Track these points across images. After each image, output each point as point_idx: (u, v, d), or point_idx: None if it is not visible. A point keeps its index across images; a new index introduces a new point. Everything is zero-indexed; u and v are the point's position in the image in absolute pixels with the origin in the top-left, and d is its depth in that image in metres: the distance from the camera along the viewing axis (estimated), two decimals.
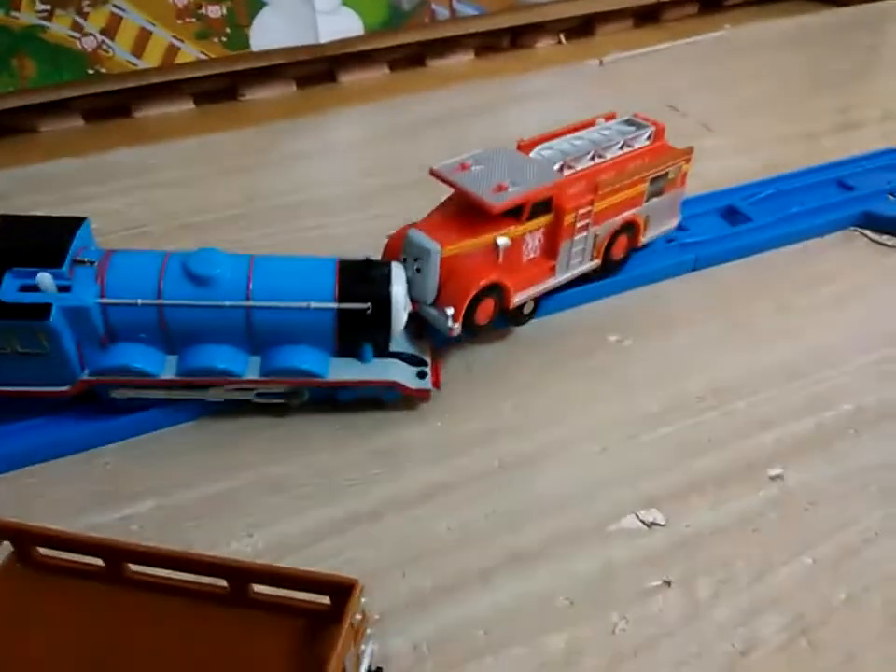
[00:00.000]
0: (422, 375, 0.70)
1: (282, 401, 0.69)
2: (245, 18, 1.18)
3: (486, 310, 0.71)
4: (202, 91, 1.27)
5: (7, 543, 0.49)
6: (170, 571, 0.48)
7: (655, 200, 0.82)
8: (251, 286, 0.63)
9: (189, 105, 1.27)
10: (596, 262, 0.79)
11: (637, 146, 0.82)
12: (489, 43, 1.47)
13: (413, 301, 0.69)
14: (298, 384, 0.66)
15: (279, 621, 0.47)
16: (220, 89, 1.29)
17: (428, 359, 0.72)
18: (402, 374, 0.68)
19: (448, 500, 0.63)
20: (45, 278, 0.59)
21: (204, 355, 0.64)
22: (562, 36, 1.52)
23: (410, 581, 0.57)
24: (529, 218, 0.71)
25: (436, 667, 0.52)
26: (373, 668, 0.48)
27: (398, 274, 0.66)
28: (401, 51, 1.40)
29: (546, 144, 0.81)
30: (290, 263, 0.66)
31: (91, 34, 1.11)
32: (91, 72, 1.12)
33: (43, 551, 0.50)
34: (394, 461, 0.66)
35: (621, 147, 0.81)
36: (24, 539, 0.49)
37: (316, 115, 1.27)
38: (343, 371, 0.67)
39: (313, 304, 0.63)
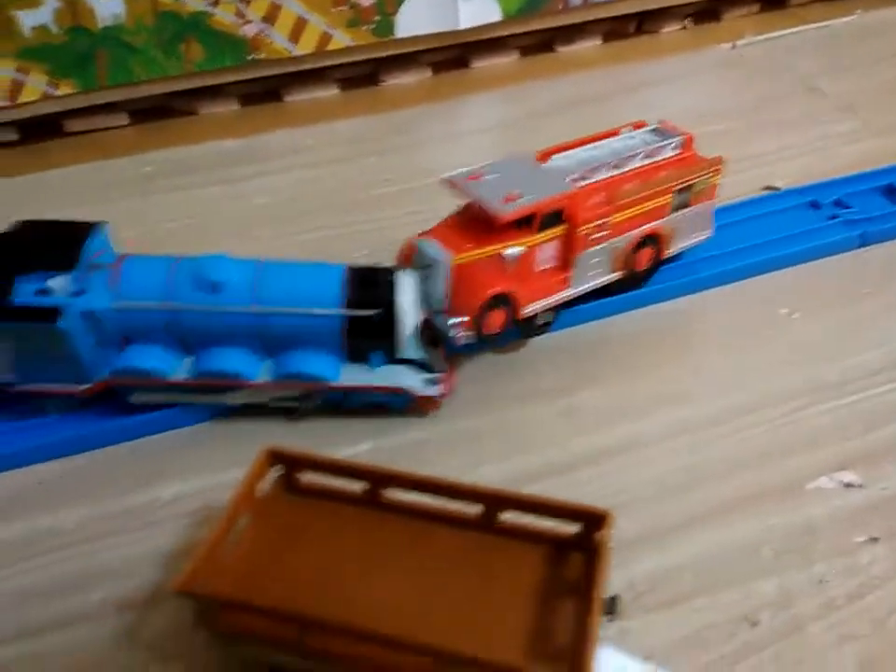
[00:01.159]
0: (432, 382, 0.70)
1: (296, 405, 0.69)
2: (393, 5, 1.23)
3: (496, 320, 0.71)
4: (346, 77, 1.33)
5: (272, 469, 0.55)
6: (424, 497, 0.53)
7: (682, 212, 0.80)
8: (257, 291, 0.64)
9: (334, 91, 1.33)
10: (618, 274, 0.79)
11: (661, 156, 0.80)
12: (616, 28, 1.49)
13: (423, 310, 0.70)
14: (307, 388, 0.68)
15: (525, 547, 0.52)
16: (363, 74, 1.34)
17: (441, 367, 0.71)
18: (412, 381, 0.69)
19: (644, 454, 0.67)
20: (58, 282, 0.62)
21: (218, 358, 0.66)
22: (688, 21, 1.52)
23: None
24: (541, 229, 0.71)
25: (652, 606, 0.56)
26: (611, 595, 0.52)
27: (405, 281, 0.67)
28: (532, 38, 1.43)
29: (564, 153, 0.80)
30: (298, 269, 0.67)
31: (252, 21, 1.18)
32: (250, 58, 1.19)
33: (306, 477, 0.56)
34: (582, 420, 0.71)
35: (643, 158, 0.80)
36: (293, 464, 0.54)
37: (450, 100, 1.32)
38: (353, 376, 0.68)
39: (317, 310, 0.64)
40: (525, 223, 0.70)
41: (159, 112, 1.26)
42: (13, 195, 1.06)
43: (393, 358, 0.69)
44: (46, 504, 0.64)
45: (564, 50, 1.46)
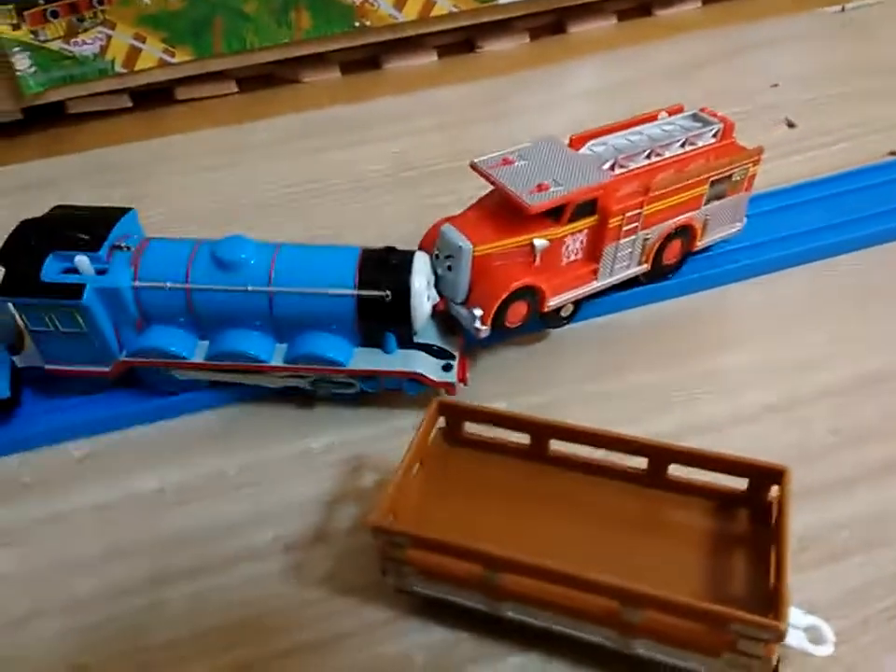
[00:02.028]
0: (447, 368, 0.69)
1: (309, 389, 0.70)
2: None
3: (518, 313, 0.69)
4: (444, 44, 1.34)
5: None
6: (589, 450, 0.55)
7: (716, 203, 0.77)
8: (273, 271, 0.65)
9: (432, 58, 1.33)
10: (645, 267, 0.76)
11: (700, 144, 0.77)
12: None
13: (442, 297, 0.69)
14: (320, 371, 0.67)
15: (689, 501, 0.53)
16: (460, 41, 1.34)
17: (457, 353, 0.70)
18: (426, 366, 0.68)
19: (789, 417, 0.67)
20: (83, 261, 0.64)
21: (233, 340, 0.67)
22: None
23: None
24: (571, 220, 0.68)
25: (810, 562, 0.56)
26: None
27: (420, 264, 0.66)
28: (630, 1, 1.41)
29: (600, 139, 0.76)
30: (314, 251, 0.67)
31: None
32: (356, 25, 1.21)
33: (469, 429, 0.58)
34: (724, 383, 0.71)
35: (682, 145, 0.76)
36: (458, 416, 0.56)
37: (547, 67, 1.31)
38: (367, 360, 0.67)
39: (330, 290, 0.64)
40: (555, 214, 0.67)
41: (264, 80, 1.30)
42: (128, 161, 1.10)
43: (408, 343, 0.68)
44: (210, 451, 0.68)
45: (662, 14, 1.43)
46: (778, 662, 0.46)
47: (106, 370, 0.68)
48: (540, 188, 0.66)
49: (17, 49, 1.06)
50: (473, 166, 0.70)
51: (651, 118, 0.79)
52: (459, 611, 0.53)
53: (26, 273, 0.64)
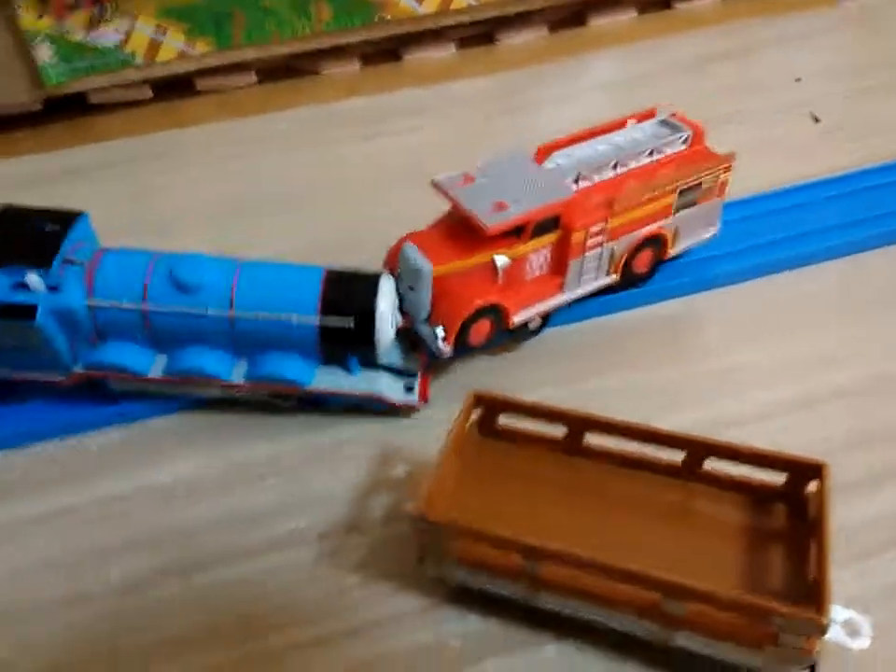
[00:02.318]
0: (409, 389, 0.69)
1: (271, 400, 0.69)
2: None
3: (481, 331, 0.68)
4: (463, 37, 1.33)
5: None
6: (625, 443, 0.55)
7: (686, 211, 0.76)
8: (234, 294, 0.63)
9: (451, 50, 1.33)
10: (614, 277, 0.75)
11: (668, 151, 0.76)
12: None
13: (405, 315, 0.68)
14: (281, 390, 0.67)
15: (725, 495, 0.53)
16: (480, 34, 1.34)
17: (418, 372, 0.70)
18: (388, 387, 0.68)
19: (809, 414, 0.67)
20: (33, 279, 0.61)
21: (191, 356, 0.65)
22: None
23: None
24: (533, 237, 0.68)
25: (847, 557, 0.55)
26: None
27: (386, 288, 0.65)
28: None
29: (565, 150, 0.75)
30: (277, 272, 0.66)
31: None
32: (377, 18, 1.20)
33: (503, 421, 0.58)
34: (739, 381, 0.71)
35: (649, 154, 0.75)
36: (493, 407, 0.57)
37: (566, 59, 1.31)
38: (328, 380, 0.67)
39: (294, 317, 0.63)
40: (517, 231, 0.67)
41: (284, 71, 1.30)
42: (149, 152, 1.10)
43: (370, 363, 0.68)
44: (234, 443, 0.68)
45: (682, 7, 1.43)
46: (818, 655, 0.46)
47: (61, 379, 0.67)
48: (500, 206, 0.65)
49: (39, 39, 1.06)
50: (434, 184, 0.69)
51: (620, 124, 0.78)
52: (494, 600, 0.54)
53: None
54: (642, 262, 0.76)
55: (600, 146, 0.76)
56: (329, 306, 0.62)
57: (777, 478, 0.52)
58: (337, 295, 0.63)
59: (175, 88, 1.24)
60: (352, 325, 0.62)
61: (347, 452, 0.67)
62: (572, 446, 0.56)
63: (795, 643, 0.44)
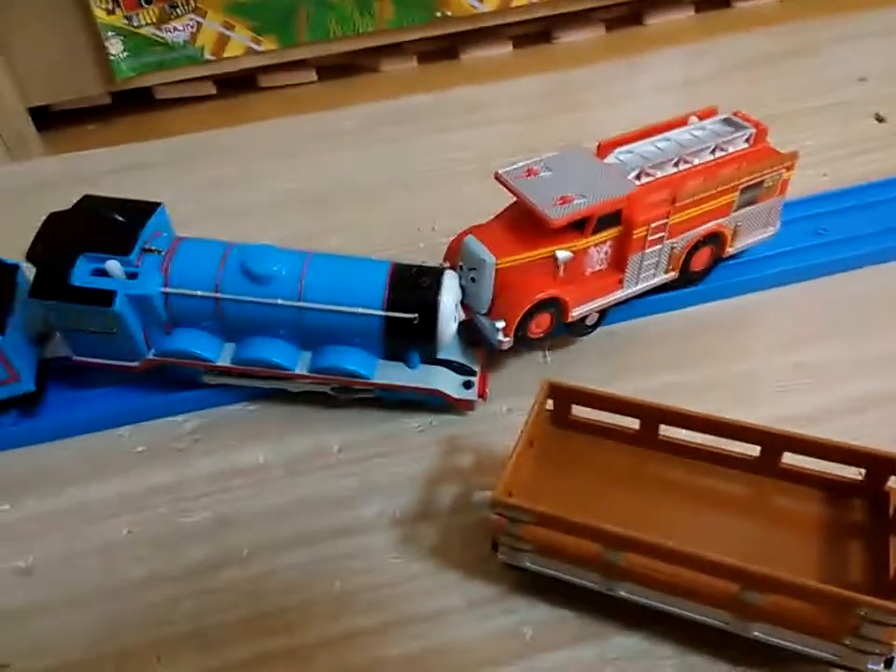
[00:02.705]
0: (468, 385, 0.69)
1: (331, 393, 0.70)
2: None
3: (541, 324, 0.69)
4: (520, 35, 1.34)
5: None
6: (700, 437, 0.55)
7: (747, 209, 0.75)
8: (303, 285, 0.64)
9: (508, 49, 1.34)
10: (672, 275, 0.74)
11: (731, 149, 0.75)
12: None
13: (466, 308, 0.69)
14: (342, 383, 0.68)
15: (801, 490, 0.53)
16: (537, 32, 1.35)
17: (478, 368, 0.71)
18: (447, 383, 0.68)
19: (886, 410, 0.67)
20: (113, 265, 0.63)
21: (259, 347, 0.67)
22: None
23: None
24: (595, 231, 0.67)
25: None
26: None
27: (449, 283, 0.65)
28: None
29: (628, 147, 0.75)
30: (345, 265, 0.67)
31: None
32: (438, 15, 1.22)
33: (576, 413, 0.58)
34: (813, 375, 0.71)
35: (712, 152, 0.74)
36: (565, 397, 0.57)
37: (623, 59, 1.30)
38: (389, 374, 0.67)
39: (360, 310, 0.64)
40: (579, 225, 0.67)
41: (343, 69, 1.32)
42: (213, 147, 1.12)
43: (431, 358, 0.69)
44: (312, 429, 0.69)
45: (741, 6, 1.42)
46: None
47: (135, 365, 0.69)
48: (564, 200, 0.65)
49: (111, 33, 1.10)
50: (497, 177, 0.69)
51: (681, 122, 0.77)
52: (564, 590, 0.54)
53: (56, 274, 0.63)
54: (700, 260, 0.76)
55: (661, 143, 0.76)
56: (394, 300, 0.64)
57: (853, 473, 0.52)
58: (402, 289, 0.64)
59: (238, 84, 1.28)
60: (416, 319, 0.63)
61: (415, 442, 0.68)
62: (646, 439, 0.56)
63: (875, 635, 0.44)
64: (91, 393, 0.72)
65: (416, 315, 0.63)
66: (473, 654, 0.54)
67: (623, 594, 0.50)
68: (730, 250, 0.77)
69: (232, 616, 0.57)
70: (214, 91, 1.24)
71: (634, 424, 0.57)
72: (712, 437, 0.56)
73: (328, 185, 1.02)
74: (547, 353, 0.75)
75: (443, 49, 1.33)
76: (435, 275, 0.65)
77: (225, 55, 1.17)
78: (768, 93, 1.20)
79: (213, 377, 0.70)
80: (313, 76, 1.28)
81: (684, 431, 0.57)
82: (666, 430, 0.57)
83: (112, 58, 1.11)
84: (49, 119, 1.19)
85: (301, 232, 0.93)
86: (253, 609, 0.57)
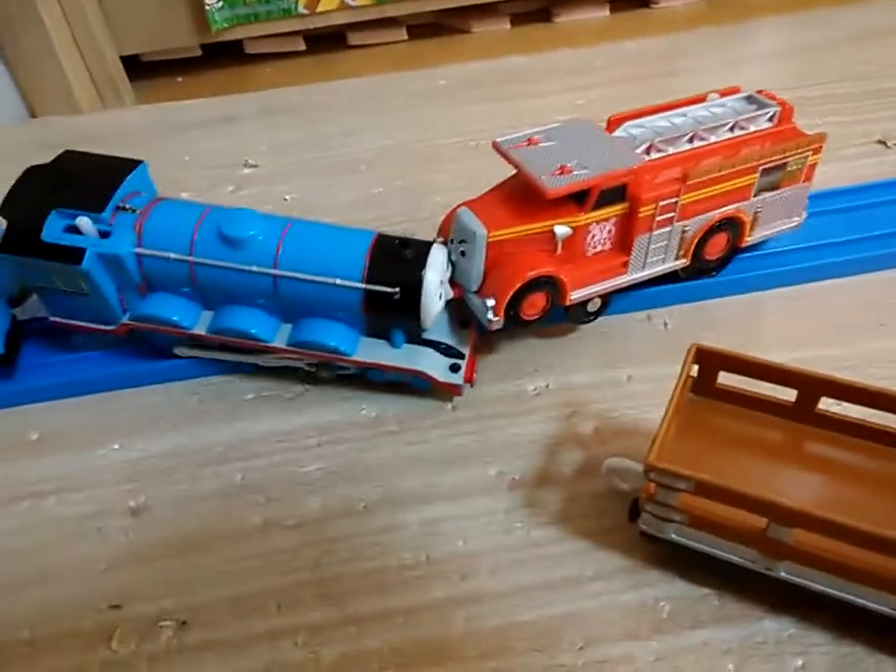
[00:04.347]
0: (455, 368, 0.65)
1: (313, 370, 0.66)
2: None
3: (535, 304, 0.63)
4: None
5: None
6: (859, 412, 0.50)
7: (768, 194, 0.68)
8: (280, 253, 0.60)
9: (604, 12, 1.29)
10: (684, 261, 0.68)
11: (752, 128, 0.68)
12: None
13: (456, 286, 0.64)
14: (322, 359, 0.64)
15: None
16: None
17: (466, 351, 0.66)
18: (433, 365, 0.64)
19: None
20: (85, 222, 0.60)
21: (236, 316, 0.63)
22: None
23: None
24: (596, 207, 0.62)
25: None
26: None
27: (436, 257, 0.60)
28: None
29: (639, 120, 0.69)
30: (326, 233, 0.62)
31: None
32: None
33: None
34: None
35: (731, 129, 0.68)
36: (713, 363, 0.53)
37: (723, 24, 1.24)
38: (372, 352, 0.63)
39: (338, 281, 0.59)
40: (580, 199, 0.61)
41: (433, 28, 1.28)
42: (302, 103, 1.09)
43: (416, 338, 0.65)
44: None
45: None
46: None
47: (111, 328, 0.65)
48: (563, 170, 0.60)
49: None
50: (495, 146, 0.64)
51: (700, 99, 0.71)
52: (703, 565, 0.51)
53: (27, 230, 0.60)
54: (716, 248, 0.69)
55: (676, 118, 0.70)
56: (374, 272, 0.59)
57: None
58: (384, 261, 0.59)
59: (327, 41, 1.25)
60: (397, 294, 0.59)
61: (531, 405, 0.65)
62: (803, 412, 0.52)
63: None
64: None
65: (398, 289, 0.59)
66: (609, 626, 0.50)
67: (782, 574, 0.46)
68: (749, 240, 0.71)
69: (352, 569, 0.55)
70: (303, 48, 1.22)
71: (787, 394, 0.53)
72: (877, 412, 0.51)
73: (422, 143, 0.99)
74: (667, 320, 0.72)
75: (537, 12, 1.29)
76: (420, 248, 0.60)
77: (318, 10, 1.14)
78: (871, 66, 1.13)
79: (186, 349, 0.67)
80: (403, 34, 1.25)
81: (842, 405, 0.53)
82: (824, 403, 0.53)
83: (207, 8, 1.09)
84: (139, 69, 1.18)
85: (401, 188, 0.90)
86: (374, 563, 0.55)
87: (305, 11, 1.13)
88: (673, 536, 0.49)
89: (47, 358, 0.70)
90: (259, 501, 0.59)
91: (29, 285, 0.64)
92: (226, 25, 1.11)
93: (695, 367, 0.54)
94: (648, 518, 0.49)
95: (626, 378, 0.67)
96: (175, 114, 1.08)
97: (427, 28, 1.26)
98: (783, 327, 0.71)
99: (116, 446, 0.64)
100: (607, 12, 1.29)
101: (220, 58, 1.20)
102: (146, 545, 0.57)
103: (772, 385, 0.54)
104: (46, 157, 0.66)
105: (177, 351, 0.67)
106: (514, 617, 0.52)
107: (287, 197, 0.90)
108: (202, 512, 0.59)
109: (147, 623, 0.52)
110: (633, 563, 0.54)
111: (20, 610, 0.54)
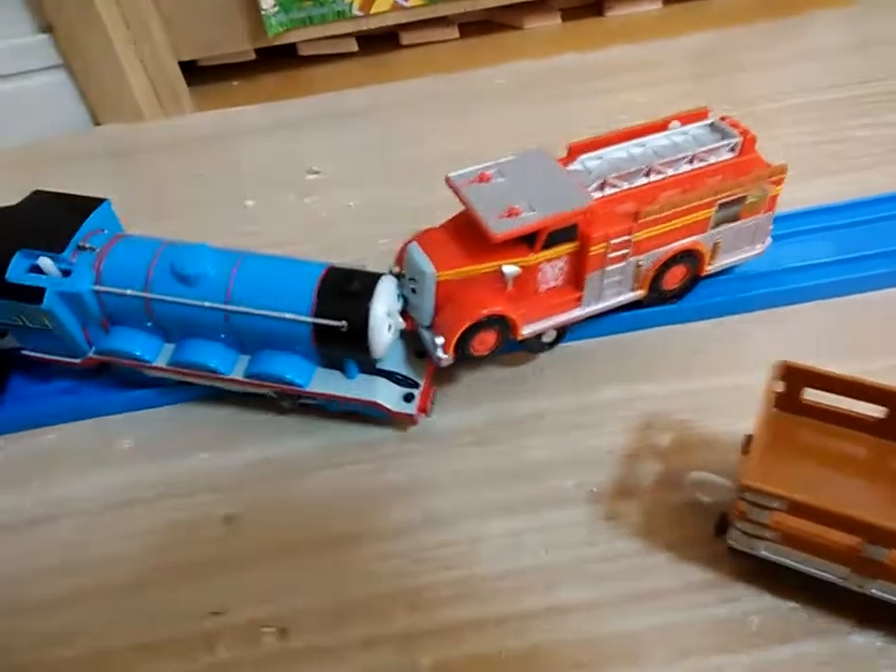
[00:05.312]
0: (409, 398, 0.65)
1: (274, 397, 0.67)
2: None
3: (486, 342, 0.63)
4: None
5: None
6: None
7: (727, 226, 0.68)
8: (231, 288, 0.61)
9: (656, 5, 1.27)
10: (641, 293, 0.68)
11: (712, 160, 0.67)
12: None
13: (408, 319, 0.64)
14: (278, 389, 0.65)
15: None
16: None
17: (422, 381, 0.67)
18: (386, 395, 0.65)
19: None
20: (46, 262, 0.62)
21: (195, 349, 0.65)
22: None
23: None
24: (546, 246, 0.61)
25: None
26: None
27: (383, 290, 0.61)
28: None
29: (597, 152, 0.68)
30: (277, 267, 0.63)
31: None
32: None
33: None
34: None
35: (689, 161, 0.67)
36: (799, 379, 0.54)
37: (778, 20, 1.22)
38: (326, 383, 0.64)
39: (287, 315, 0.60)
40: (530, 240, 0.61)
41: (484, 26, 1.28)
42: (364, 105, 1.10)
43: (370, 368, 0.65)
44: (505, 397, 0.68)
45: None
46: None
47: (78, 361, 0.68)
48: (510, 213, 0.60)
49: None
50: (447, 181, 0.64)
51: (661, 126, 0.70)
52: (790, 580, 0.52)
53: None
54: (674, 278, 0.69)
55: (635, 149, 0.69)
56: (321, 306, 0.60)
57: None
58: (331, 295, 0.60)
59: (379, 41, 1.26)
60: (343, 327, 0.60)
61: (609, 414, 0.65)
62: (891, 428, 0.52)
63: None
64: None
65: (343, 322, 0.60)
66: (700, 640, 0.51)
67: (874, 591, 0.47)
68: (709, 268, 0.70)
69: (441, 578, 0.56)
70: (355, 49, 1.23)
71: (874, 410, 0.53)
72: None
73: (488, 145, 0.99)
74: (737, 328, 0.72)
75: (588, 6, 1.28)
76: (367, 281, 0.61)
77: (372, 11, 1.15)
78: None
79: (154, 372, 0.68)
80: (455, 32, 1.24)
81: None
82: None
83: (264, 13, 1.10)
84: (195, 74, 1.20)
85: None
86: (461, 572, 0.56)
87: (359, 13, 1.14)
88: (763, 552, 0.50)
89: (32, 388, 0.72)
90: (346, 511, 0.61)
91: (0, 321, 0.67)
92: (282, 30, 1.12)
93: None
94: (737, 535, 0.50)
95: (699, 389, 0.67)
96: (234, 120, 1.09)
97: (479, 25, 1.25)
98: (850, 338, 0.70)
99: (204, 455, 0.66)
100: (659, 5, 1.27)
101: (274, 61, 1.21)
102: (240, 553, 0.59)
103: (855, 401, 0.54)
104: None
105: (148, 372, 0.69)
106: (603, 628, 0.53)
107: (352, 203, 0.91)
108: (291, 521, 0.61)
109: (249, 630, 0.55)
110: (718, 576, 0.54)
111: (120, 617, 0.57)
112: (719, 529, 0.53)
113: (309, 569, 0.58)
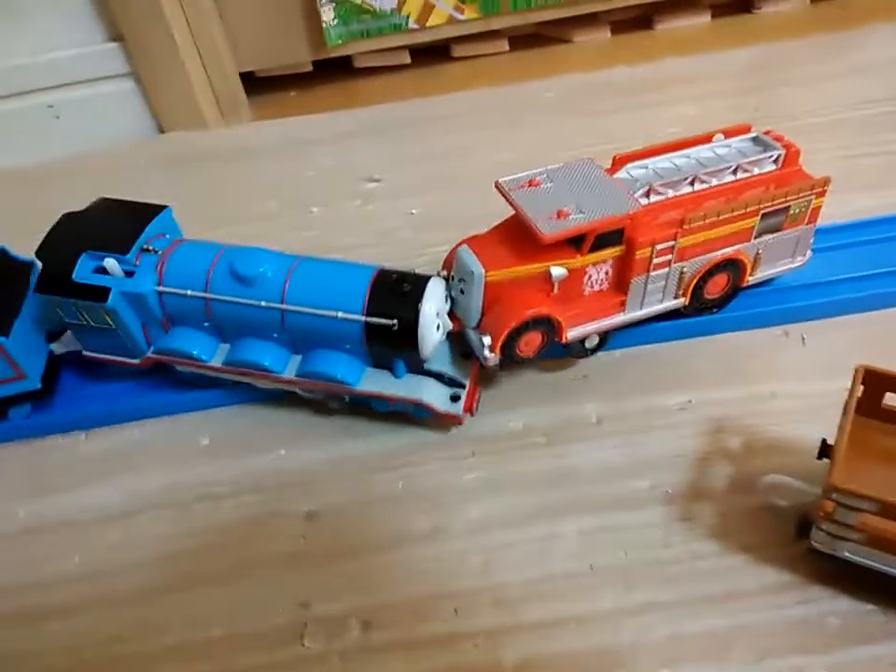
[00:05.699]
0: (455, 398, 0.67)
1: (322, 400, 0.69)
2: None
3: (531, 343, 0.65)
4: (718, 4, 1.29)
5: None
6: None
7: (770, 236, 0.69)
8: (287, 288, 0.64)
9: (705, 18, 1.29)
10: (682, 301, 0.69)
11: (756, 171, 0.68)
12: None
13: (455, 319, 0.66)
14: (329, 389, 0.67)
15: None
16: (736, 1, 1.29)
17: (467, 382, 0.68)
18: (433, 395, 0.66)
19: None
20: (111, 263, 0.65)
21: (250, 349, 0.67)
22: None
23: None
24: (593, 249, 0.63)
25: None
26: None
27: (433, 292, 0.63)
28: None
29: (642, 161, 0.69)
30: (330, 269, 0.65)
31: None
32: None
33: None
34: None
35: (733, 172, 0.68)
36: (880, 384, 0.54)
37: (828, 34, 1.23)
38: (375, 382, 0.66)
39: (340, 314, 0.62)
40: (577, 242, 0.63)
41: (533, 39, 1.30)
42: (420, 117, 1.13)
43: (418, 368, 0.67)
44: (573, 398, 0.69)
45: None
46: None
47: (136, 362, 0.70)
48: (560, 214, 0.62)
49: (324, 0, 1.12)
50: (497, 185, 0.66)
51: (705, 139, 0.71)
52: (871, 583, 0.52)
53: (60, 271, 0.66)
54: (716, 287, 0.70)
55: (679, 159, 0.70)
56: (374, 305, 0.63)
57: None
58: (383, 295, 0.63)
59: (431, 53, 1.28)
60: (394, 325, 0.62)
61: (675, 419, 0.67)
62: None
63: None
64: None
65: (395, 321, 0.62)
66: (779, 640, 0.52)
67: None
68: (750, 279, 0.71)
69: (520, 576, 0.57)
70: (408, 61, 1.25)
71: None
72: None
73: (538, 157, 1.01)
74: (804, 335, 0.73)
75: (638, 19, 1.30)
76: (418, 282, 0.63)
77: (428, 24, 1.17)
78: None
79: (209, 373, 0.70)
80: (505, 45, 1.27)
81: None
82: None
83: (324, 26, 1.13)
84: (253, 84, 1.23)
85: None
86: (539, 570, 0.58)
87: (415, 26, 1.17)
88: (846, 554, 0.51)
89: (82, 390, 0.74)
90: (423, 508, 0.62)
91: (64, 321, 0.69)
92: (340, 42, 1.15)
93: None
94: (821, 536, 0.51)
95: (770, 394, 0.68)
96: (294, 129, 1.12)
97: (529, 38, 1.28)
98: None
99: (282, 452, 0.68)
100: (708, 18, 1.29)
101: (330, 72, 1.24)
102: (322, 547, 0.61)
103: None
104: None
105: (180, 369, 0.71)
106: (682, 628, 0.54)
107: (414, 211, 0.93)
108: (370, 517, 0.62)
109: (335, 622, 0.56)
110: (795, 578, 0.55)
111: (208, 608, 0.58)
112: (800, 531, 0.54)
113: (388, 566, 0.59)
